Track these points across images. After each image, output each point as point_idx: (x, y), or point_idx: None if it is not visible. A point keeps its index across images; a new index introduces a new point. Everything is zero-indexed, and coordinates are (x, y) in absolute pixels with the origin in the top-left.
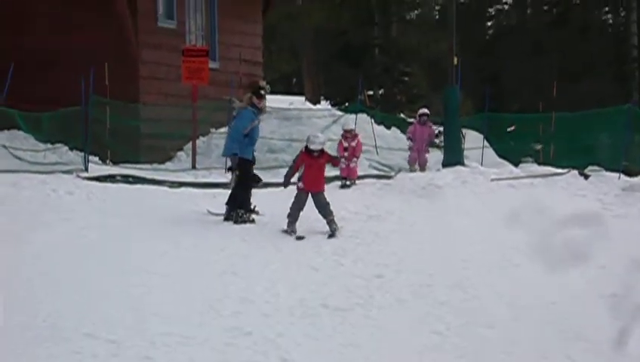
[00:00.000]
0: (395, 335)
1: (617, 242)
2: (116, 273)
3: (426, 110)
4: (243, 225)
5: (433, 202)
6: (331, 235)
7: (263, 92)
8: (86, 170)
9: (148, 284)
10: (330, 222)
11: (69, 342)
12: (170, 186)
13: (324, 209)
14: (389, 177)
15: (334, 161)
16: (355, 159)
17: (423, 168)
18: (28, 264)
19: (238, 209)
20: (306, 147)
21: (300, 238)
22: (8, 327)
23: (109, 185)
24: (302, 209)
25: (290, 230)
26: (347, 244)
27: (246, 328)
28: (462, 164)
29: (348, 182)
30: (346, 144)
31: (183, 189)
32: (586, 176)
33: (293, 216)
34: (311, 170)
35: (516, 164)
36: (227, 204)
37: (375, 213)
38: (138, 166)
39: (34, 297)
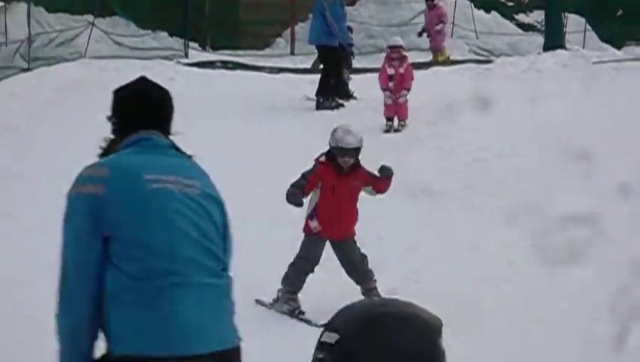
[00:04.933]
0: (493, 222)
1: None
2: (215, 155)
3: None
4: (335, 111)
5: (533, 86)
6: None
7: None
8: (186, 56)
9: (244, 167)
10: (370, 291)
11: None
12: (269, 72)
13: (357, 268)
14: (489, 62)
15: (378, 183)
16: (404, 92)
17: (434, 54)
18: None
19: (318, 95)
20: (329, 152)
21: (309, 322)
22: None
23: (209, 71)
24: (312, 270)
25: (290, 308)
26: (447, 128)
27: None
28: (563, 47)
29: (396, 125)
30: (391, 71)
31: (281, 75)
32: None
33: (296, 282)
34: (334, 199)
35: (619, 48)
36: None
37: (473, 96)
38: (237, 52)
39: None
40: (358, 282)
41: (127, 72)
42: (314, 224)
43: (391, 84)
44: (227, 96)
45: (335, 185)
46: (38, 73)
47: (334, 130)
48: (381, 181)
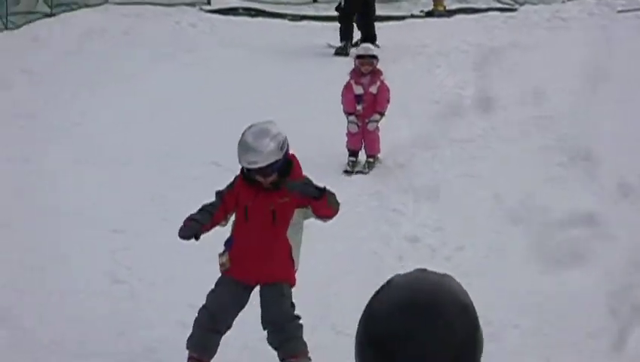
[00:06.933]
0: (516, 166)
1: None
2: (238, 100)
3: None
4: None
5: (558, 34)
6: None
7: None
8: (209, 2)
9: (268, 111)
10: (290, 358)
11: (191, 167)
12: (292, 19)
13: (281, 330)
14: (512, 10)
15: (317, 205)
16: (376, 116)
17: (435, 3)
18: (151, 93)
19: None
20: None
21: None
22: (133, 156)
23: (231, 17)
24: (217, 328)
25: None
26: (469, 77)
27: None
28: None
29: (362, 165)
30: (359, 90)
31: (304, 22)
32: None
33: (200, 343)
34: (248, 225)
35: None
36: None
37: (498, 45)
38: None
39: (157, 126)
40: (275, 346)
41: (149, 18)
42: (223, 259)
43: (359, 107)
44: (249, 42)
45: (250, 205)
46: (61, 19)
47: (242, 134)
48: (315, 202)
